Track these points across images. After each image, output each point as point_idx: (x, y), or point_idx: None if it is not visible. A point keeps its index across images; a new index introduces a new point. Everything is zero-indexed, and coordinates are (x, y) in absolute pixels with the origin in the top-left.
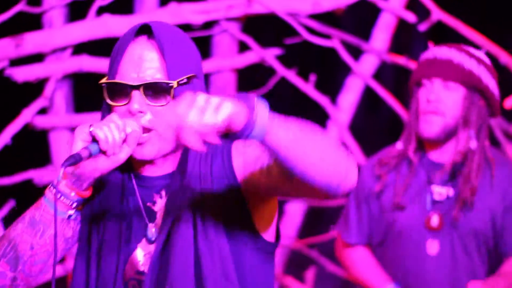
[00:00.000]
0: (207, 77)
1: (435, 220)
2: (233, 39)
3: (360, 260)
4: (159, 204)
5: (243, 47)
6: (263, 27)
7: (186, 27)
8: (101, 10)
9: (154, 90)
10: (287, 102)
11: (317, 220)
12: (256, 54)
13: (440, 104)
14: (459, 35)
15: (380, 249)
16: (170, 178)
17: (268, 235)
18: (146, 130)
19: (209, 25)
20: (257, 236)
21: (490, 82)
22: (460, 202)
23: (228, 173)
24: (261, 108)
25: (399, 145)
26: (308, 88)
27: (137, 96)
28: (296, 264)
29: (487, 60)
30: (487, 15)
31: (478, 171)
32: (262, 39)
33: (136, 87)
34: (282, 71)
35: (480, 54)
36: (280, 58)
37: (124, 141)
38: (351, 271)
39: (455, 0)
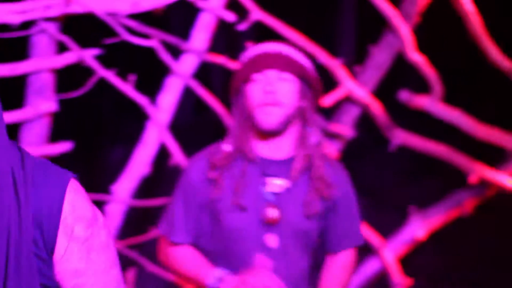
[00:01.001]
0: (25, 77)
1: (273, 213)
2: (52, 39)
3: (185, 257)
4: None
5: (62, 48)
6: (82, 27)
7: (3, 28)
8: None
9: None
10: (106, 103)
11: (138, 221)
12: (75, 54)
13: (277, 95)
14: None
15: (219, 249)
16: None
17: None
18: None
19: (27, 25)
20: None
21: (316, 76)
22: (311, 198)
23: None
24: None
25: (226, 146)
26: (127, 88)
27: None
28: None
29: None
30: (308, 14)
31: (324, 167)
32: (81, 39)
33: None
34: (102, 71)
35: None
36: (99, 59)
37: None
38: (175, 270)
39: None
